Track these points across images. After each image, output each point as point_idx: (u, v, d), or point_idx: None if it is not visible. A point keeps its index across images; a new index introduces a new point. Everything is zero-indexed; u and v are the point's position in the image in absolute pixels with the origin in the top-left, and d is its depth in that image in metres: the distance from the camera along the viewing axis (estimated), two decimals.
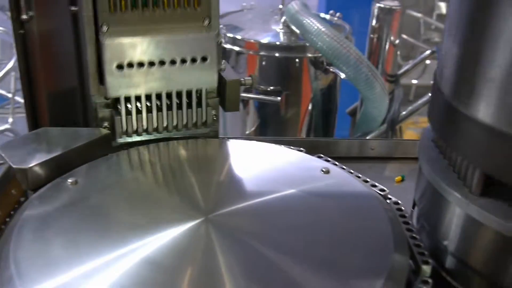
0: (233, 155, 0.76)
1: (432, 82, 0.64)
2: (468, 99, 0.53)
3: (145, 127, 0.77)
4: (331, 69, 1.53)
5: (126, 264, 0.52)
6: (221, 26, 0.81)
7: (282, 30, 1.59)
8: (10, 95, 2.32)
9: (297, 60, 1.54)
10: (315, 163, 0.72)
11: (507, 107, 0.49)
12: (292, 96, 1.59)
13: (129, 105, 0.76)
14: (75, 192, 0.64)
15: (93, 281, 0.50)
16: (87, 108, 0.86)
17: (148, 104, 0.77)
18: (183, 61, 0.76)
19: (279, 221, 0.61)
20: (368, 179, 0.71)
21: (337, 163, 0.74)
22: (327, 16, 1.74)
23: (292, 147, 0.77)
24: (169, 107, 0.78)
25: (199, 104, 0.79)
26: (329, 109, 1.68)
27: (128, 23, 0.73)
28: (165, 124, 0.78)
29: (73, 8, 0.82)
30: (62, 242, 0.56)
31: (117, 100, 0.75)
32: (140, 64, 0.74)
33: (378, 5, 1.59)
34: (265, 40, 1.55)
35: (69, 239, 0.56)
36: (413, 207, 0.71)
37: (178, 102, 0.78)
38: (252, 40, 1.54)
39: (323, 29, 1.37)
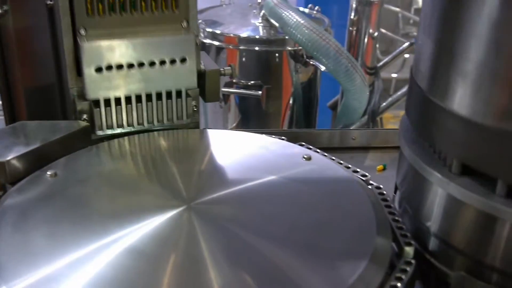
0: (214, 144, 0.76)
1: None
2: (444, 92, 0.54)
3: (124, 120, 0.76)
4: (311, 62, 1.53)
5: (109, 254, 0.52)
6: (200, 21, 0.81)
7: (262, 24, 1.59)
8: None
9: (277, 53, 1.54)
10: (297, 150, 0.72)
11: (481, 99, 0.50)
12: (273, 90, 1.59)
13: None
14: (54, 184, 0.63)
15: (76, 272, 0.50)
16: (65, 104, 0.85)
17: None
18: (162, 62, 0.76)
19: (262, 207, 0.60)
20: (349, 165, 0.71)
21: (318, 150, 0.74)
22: (306, 10, 1.74)
23: (274, 136, 0.77)
24: (149, 98, 0.77)
25: (178, 95, 0.79)
26: (310, 102, 1.69)
27: (106, 26, 0.73)
28: (145, 117, 0.77)
29: (49, 1, 0.80)
30: (43, 234, 0.55)
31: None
32: (119, 67, 0.74)
33: None
34: (244, 34, 1.54)
35: (50, 231, 0.56)
36: (395, 192, 0.72)
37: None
38: (231, 35, 1.54)
39: (302, 22, 1.37)
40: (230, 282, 0.48)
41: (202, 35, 1.57)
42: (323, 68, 1.43)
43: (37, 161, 0.67)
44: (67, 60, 0.73)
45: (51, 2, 0.80)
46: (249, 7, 1.74)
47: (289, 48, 1.53)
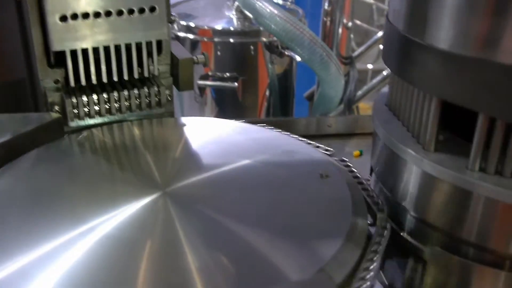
0: (188, 131, 0.75)
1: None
2: (422, 28, 0.54)
3: (96, 107, 0.75)
4: (286, 53, 1.53)
5: (86, 243, 0.51)
6: (174, 14, 0.80)
7: (236, 16, 1.58)
8: None
9: (252, 45, 1.53)
10: (273, 134, 0.72)
11: (459, 30, 0.50)
12: (249, 82, 1.58)
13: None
14: (26, 176, 0.62)
15: (53, 261, 0.49)
16: (37, 100, 0.84)
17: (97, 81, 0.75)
18: (131, 11, 0.73)
19: (237, 191, 0.60)
20: (327, 148, 0.71)
21: (293, 135, 0.74)
22: (280, 1, 1.74)
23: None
24: (123, 86, 0.76)
25: (151, 81, 0.77)
26: (286, 93, 1.69)
27: None
28: (117, 105, 0.76)
29: None
30: (16, 225, 0.54)
31: (67, 82, 0.73)
32: (85, 15, 0.71)
33: None
34: (218, 26, 1.54)
35: (23, 222, 0.55)
36: (370, 174, 0.72)
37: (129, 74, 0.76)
38: (205, 27, 1.53)
39: (275, 12, 1.37)
40: (207, 265, 0.48)
41: (176, 28, 1.56)
42: (298, 58, 1.43)
43: (8, 154, 0.66)
44: (37, 51, 0.72)
45: None
46: None
47: (264, 39, 1.53)
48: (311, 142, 0.71)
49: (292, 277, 0.47)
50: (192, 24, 1.55)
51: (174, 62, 0.79)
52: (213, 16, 1.61)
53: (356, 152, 1.06)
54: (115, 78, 0.76)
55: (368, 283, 0.49)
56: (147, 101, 0.78)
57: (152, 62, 0.77)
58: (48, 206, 0.57)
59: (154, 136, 0.74)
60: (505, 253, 0.53)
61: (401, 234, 0.62)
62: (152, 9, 0.75)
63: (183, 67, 0.78)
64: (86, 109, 0.74)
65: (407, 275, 0.60)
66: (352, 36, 1.76)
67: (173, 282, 0.47)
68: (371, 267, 0.51)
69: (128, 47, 0.75)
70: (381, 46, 2.67)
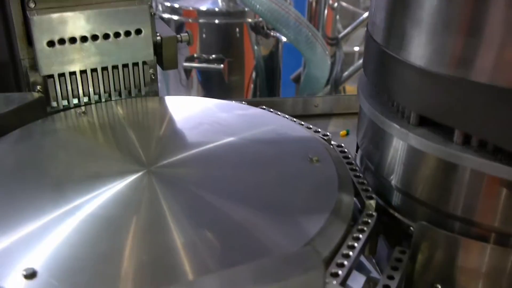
0: (172, 110, 0.74)
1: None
2: (399, 44, 0.54)
3: (80, 91, 0.74)
4: (272, 33, 1.53)
5: (73, 221, 0.51)
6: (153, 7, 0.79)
7: None
8: None
9: (237, 26, 1.52)
10: (258, 111, 0.71)
11: (435, 48, 0.50)
12: (235, 63, 1.58)
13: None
14: (10, 156, 0.62)
15: (39, 240, 0.48)
16: (19, 81, 0.82)
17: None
18: (117, 34, 0.74)
19: (222, 168, 0.60)
20: (311, 126, 0.71)
21: (279, 112, 0.74)
22: None
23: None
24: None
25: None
26: (272, 75, 1.68)
27: None
28: (101, 87, 0.75)
29: None
30: (0, 205, 0.54)
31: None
32: (72, 40, 0.72)
33: None
34: (203, 7, 1.52)
35: (8, 201, 0.54)
36: (356, 151, 0.72)
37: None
38: (190, 8, 1.52)
39: None
40: (193, 241, 0.48)
41: (160, 9, 1.54)
42: (284, 38, 1.42)
43: None
44: (17, 31, 0.71)
45: None
46: None
47: (250, 20, 1.52)
48: (303, 123, 0.71)
49: (277, 251, 0.47)
50: (176, 5, 1.53)
51: (157, 44, 0.78)
52: None
53: (343, 132, 1.06)
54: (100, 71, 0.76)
55: (353, 257, 0.49)
56: (131, 82, 0.77)
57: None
58: (33, 185, 0.57)
59: (139, 114, 0.73)
60: (491, 226, 0.53)
61: (388, 210, 0.62)
62: (138, 32, 0.75)
63: (167, 45, 0.78)
64: (68, 90, 0.73)
65: (395, 252, 0.60)
66: (338, 17, 1.76)
67: (159, 257, 0.46)
68: (356, 243, 0.51)
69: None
70: None
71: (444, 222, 0.56)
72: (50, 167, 0.61)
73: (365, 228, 0.53)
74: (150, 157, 0.61)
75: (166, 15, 1.53)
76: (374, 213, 0.56)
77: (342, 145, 0.68)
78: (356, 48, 3.13)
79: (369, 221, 0.55)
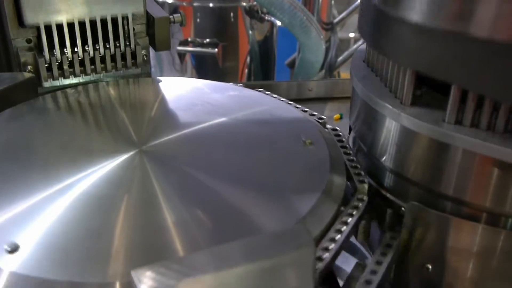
0: (164, 91, 0.74)
1: None
2: (395, 1, 0.53)
3: (70, 67, 0.74)
4: (266, 18, 1.52)
5: (64, 199, 0.51)
6: None
7: None
8: None
9: (231, 9, 1.51)
10: (251, 93, 0.71)
11: (432, 3, 0.49)
12: (229, 48, 1.57)
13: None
14: (0, 136, 0.61)
15: (31, 220, 0.48)
16: (10, 62, 0.82)
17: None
18: None
19: (213, 148, 0.60)
20: (306, 109, 0.71)
21: (274, 95, 0.73)
22: None
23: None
24: (95, 40, 0.74)
25: (127, 39, 0.76)
26: (267, 60, 1.68)
27: None
28: (92, 65, 0.75)
29: None
30: None
31: (39, 41, 0.71)
32: None
33: None
34: None
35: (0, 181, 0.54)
36: (349, 133, 0.72)
37: (104, 37, 0.75)
38: None
39: None
40: (184, 219, 0.48)
41: None
42: (279, 22, 1.42)
43: None
44: (7, 10, 0.70)
45: None
46: None
47: (244, 4, 1.51)
48: (298, 106, 0.71)
49: (268, 229, 0.47)
50: None
51: (150, 21, 0.77)
52: None
53: (337, 116, 1.06)
54: (90, 46, 0.74)
55: (340, 240, 0.49)
56: (123, 61, 0.76)
57: (128, 26, 0.76)
58: (24, 165, 0.56)
59: (130, 95, 0.73)
60: (482, 206, 0.53)
61: (381, 191, 0.62)
62: None
63: (159, 26, 0.77)
64: (59, 69, 0.73)
65: (386, 231, 0.60)
66: (333, 2, 1.75)
67: (150, 235, 0.46)
68: (345, 227, 0.51)
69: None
70: None
71: (435, 202, 0.56)
72: (41, 146, 0.60)
73: (355, 212, 0.53)
74: (142, 137, 0.60)
75: None
76: (365, 197, 0.56)
77: (337, 128, 0.68)
78: (352, 35, 3.13)
79: (360, 205, 0.55)
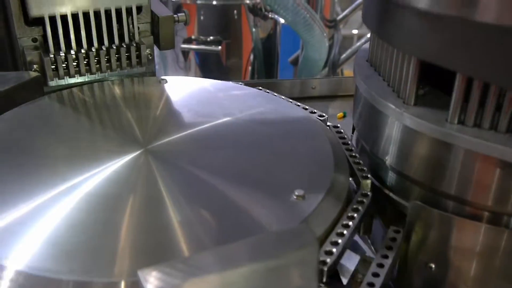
0: (169, 90, 0.74)
1: None
2: None
3: (75, 66, 0.74)
4: (269, 15, 1.52)
5: (70, 199, 0.51)
6: None
7: None
8: None
9: (235, 7, 1.52)
10: (253, 91, 0.71)
11: None
12: (233, 46, 1.57)
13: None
14: (7, 135, 0.62)
15: (39, 219, 0.49)
16: (16, 60, 0.82)
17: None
18: None
19: (218, 147, 0.60)
20: (307, 107, 0.71)
21: (276, 94, 0.74)
22: None
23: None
24: (100, 38, 0.75)
25: (132, 36, 0.76)
26: (271, 57, 1.68)
27: None
28: (97, 64, 0.75)
29: None
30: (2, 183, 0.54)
31: (45, 41, 0.72)
32: None
33: None
34: None
35: (6, 181, 0.54)
36: (353, 132, 0.72)
37: (108, 33, 0.75)
38: None
39: None
40: (189, 219, 0.48)
41: None
42: (282, 20, 1.42)
43: None
44: (13, 8, 0.70)
45: None
46: None
47: (247, 2, 1.52)
48: (299, 104, 0.71)
49: (272, 229, 0.47)
50: None
51: (154, 20, 0.78)
52: None
53: (340, 114, 1.06)
54: (95, 43, 0.74)
55: (347, 235, 0.49)
56: (127, 60, 0.77)
57: (132, 22, 0.76)
58: (31, 164, 0.57)
59: (135, 94, 0.73)
60: (484, 205, 0.53)
61: (383, 190, 0.63)
62: None
63: (164, 25, 0.77)
64: (65, 68, 0.73)
65: (390, 232, 0.61)
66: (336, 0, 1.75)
67: (156, 235, 0.47)
68: (351, 223, 0.51)
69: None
70: None
71: (438, 201, 0.56)
72: (47, 146, 0.61)
73: (360, 208, 0.54)
74: (147, 136, 0.61)
75: None
76: (369, 193, 0.56)
77: (338, 125, 0.68)
78: (355, 31, 3.12)
79: (364, 200, 0.55)
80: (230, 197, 0.52)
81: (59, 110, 0.69)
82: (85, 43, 0.74)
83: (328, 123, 0.69)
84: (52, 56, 0.72)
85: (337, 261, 0.47)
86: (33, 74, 0.71)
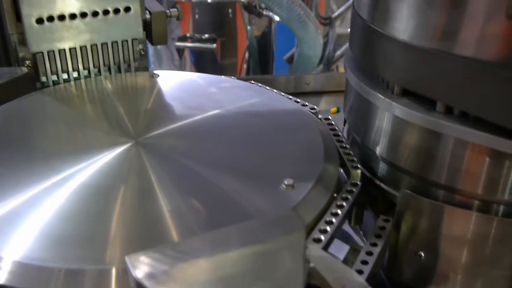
0: (161, 84, 0.75)
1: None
2: (384, 18, 0.55)
3: (70, 66, 0.75)
4: (264, 13, 1.52)
5: (63, 191, 0.52)
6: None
7: None
8: None
9: (229, 5, 1.52)
10: (245, 84, 0.72)
11: (418, 22, 0.51)
12: (227, 43, 1.57)
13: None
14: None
15: (31, 210, 0.49)
16: (9, 55, 0.83)
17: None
18: (106, 12, 0.74)
19: (209, 139, 0.61)
20: (298, 100, 0.72)
21: (267, 87, 0.74)
22: None
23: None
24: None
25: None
26: (266, 55, 1.68)
27: None
28: (91, 62, 0.76)
29: None
30: None
31: None
32: (61, 17, 0.72)
33: None
34: None
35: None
36: (344, 125, 0.73)
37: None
38: None
39: None
40: (180, 208, 0.49)
41: None
42: (277, 18, 1.43)
43: None
44: (5, 7, 0.71)
45: None
46: None
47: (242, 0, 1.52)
48: (291, 97, 0.71)
49: (262, 217, 0.48)
50: None
51: (146, 22, 0.78)
52: None
53: (334, 109, 1.07)
54: (88, 46, 0.76)
55: (336, 224, 0.50)
56: (120, 57, 0.77)
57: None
58: (23, 157, 0.57)
59: (127, 88, 0.74)
60: (474, 194, 0.54)
61: (374, 181, 0.63)
62: (127, 9, 0.75)
63: (156, 20, 0.78)
64: (57, 65, 0.74)
65: (379, 220, 0.61)
66: None
67: (147, 224, 0.47)
68: (340, 211, 0.52)
69: None
70: None
71: (428, 191, 0.57)
72: (39, 139, 0.61)
73: (349, 197, 0.54)
74: (138, 129, 0.61)
75: None
76: (359, 182, 0.57)
77: (329, 117, 0.69)
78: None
79: (354, 190, 0.55)
80: (221, 187, 0.52)
81: (51, 104, 0.70)
82: (79, 49, 0.75)
83: (319, 116, 0.70)
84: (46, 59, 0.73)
85: (325, 248, 0.47)
86: (26, 70, 0.71)
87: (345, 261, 0.51)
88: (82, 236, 0.46)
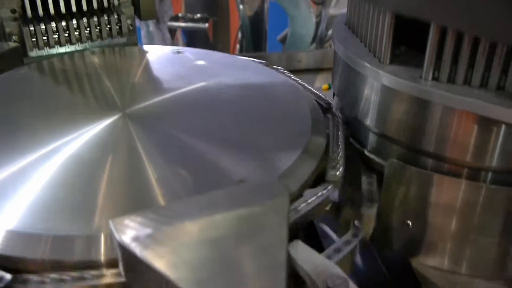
0: (149, 57, 0.75)
1: None
2: None
3: (55, 37, 0.74)
4: None
5: (51, 163, 0.51)
6: None
7: None
8: None
9: None
10: (235, 58, 0.72)
11: None
12: (220, 23, 1.56)
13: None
14: None
15: (19, 182, 0.49)
16: None
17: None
18: None
19: (197, 110, 0.60)
20: (286, 71, 0.71)
21: (257, 60, 0.74)
22: None
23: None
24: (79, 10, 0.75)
25: (112, 9, 0.76)
26: (258, 35, 1.67)
27: None
28: (77, 34, 0.75)
29: None
30: None
31: (24, 12, 0.72)
32: None
33: None
34: None
35: None
36: (333, 97, 0.73)
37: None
38: None
39: None
40: (166, 176, 0.49)
41: None
42: None
43: None
44: None
45: None
46: None
47: None
48: (285, 71, 0.71)
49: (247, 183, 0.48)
50: None
51: None
52: None
53: (325, 86, 1.07)
54: (74, 8, 0.74)
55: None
56: (108, 30, 0.77)
57: None
58: (10, 130, 0.57)
59: (115, 62, 0.74)
60: (463, 161, 0.54)
61: (364, 152, 0.63)
62: None
63: None
64: (44, 39, 0.73)
65: (366, 190, 0.61)
66: None
67: (134, 192, 0.47)
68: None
69: None
70: None
71: (417, 160, 0.57)
72: (26, 113, 0.61)
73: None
74: (125, 101, 0.61)
75: None
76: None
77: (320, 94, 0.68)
78: (344, 10, 3.12)
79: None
80: (207, 156, 0.52)
81: (38, 78, 0.69)
82: (65, 11, 0.74)
83: (307, 86, 0.69)
84: (31, 27, 0.72)
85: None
86: (12, 44, 0.71)
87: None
88: (70, 204, 0.46)
